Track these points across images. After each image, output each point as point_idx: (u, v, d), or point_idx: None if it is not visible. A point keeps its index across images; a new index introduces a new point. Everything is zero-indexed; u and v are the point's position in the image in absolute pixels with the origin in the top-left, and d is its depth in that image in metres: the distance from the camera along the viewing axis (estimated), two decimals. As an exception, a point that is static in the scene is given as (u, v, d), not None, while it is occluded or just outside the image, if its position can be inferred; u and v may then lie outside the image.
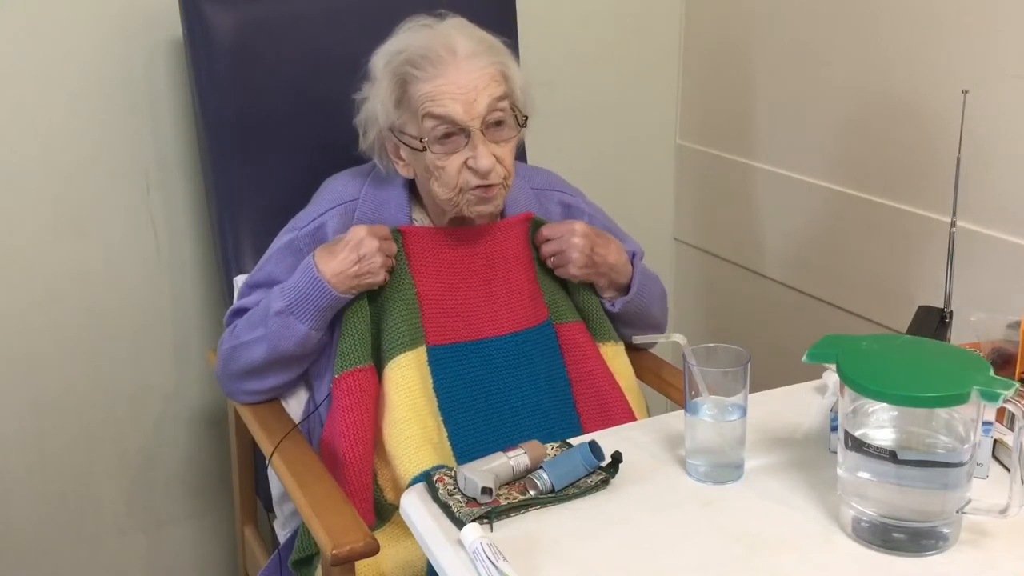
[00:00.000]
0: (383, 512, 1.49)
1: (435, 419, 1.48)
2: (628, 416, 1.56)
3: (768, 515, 1.09)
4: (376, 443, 1.50)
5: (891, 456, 1.00)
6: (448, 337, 1.54)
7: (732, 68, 2.21)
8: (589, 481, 1.15)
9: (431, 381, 1.51)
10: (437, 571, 1.07)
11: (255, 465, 1.84)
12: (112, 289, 1.94)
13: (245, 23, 1.74)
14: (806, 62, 2.02)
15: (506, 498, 1.12)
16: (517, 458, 1.16)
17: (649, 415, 1.64)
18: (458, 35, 1.49)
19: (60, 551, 2.01)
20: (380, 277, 1.50)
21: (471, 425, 1.51)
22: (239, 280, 1.71)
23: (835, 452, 1.10)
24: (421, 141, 1.47)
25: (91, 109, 1.86)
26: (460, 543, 1.04)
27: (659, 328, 1.74)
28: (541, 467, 1.15)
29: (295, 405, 1.63)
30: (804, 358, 1.10)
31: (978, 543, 1.04)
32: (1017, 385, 0.98)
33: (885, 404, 1.03)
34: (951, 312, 1.45)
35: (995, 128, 1.64)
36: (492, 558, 1.00)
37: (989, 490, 1.09)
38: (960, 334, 1.44)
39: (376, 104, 1.52)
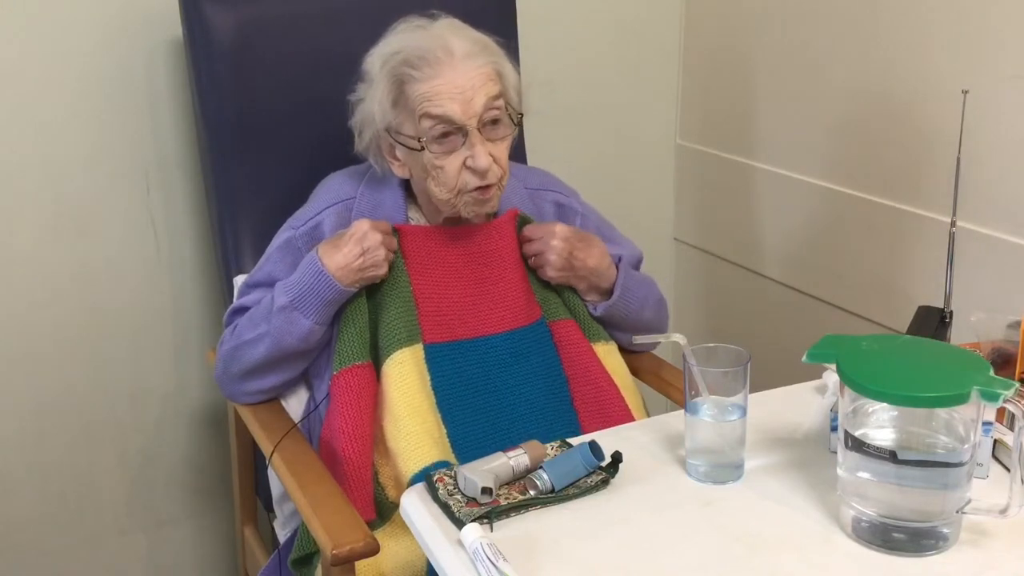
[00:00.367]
0: (384, 510, 1.49)
1: (434, 415, 1.49)
2: (625, 413, 1.56)
3: (768, 515, 1.09)
4: (377, 441, 1.50)
5: (891, 456, 1.00)
6: (445, 335, 1.55)
7: (732, 68, 2.21)
8: (589, 481, 1.15)
9: (429, 378, 1.51)
10: (437, 571, 1.07)
11: (255, 465, 1.84)
12: (112, 289, 1.94)
13: (245, 23, 1.74)
14: (806, 62, 2.02)
15: (506, 498, 1.12)
16: (517, 458, 1.16)
17: (647, 412, 1.65)
18: (453, 36, 1.49)
19: (60, 551, 2.01)
20: (383, 270, 1.51)
21: (470, 422, 1.51)
22: (239, 280, 1.71)
23: (835, 452, 1.10)
24: (419, 141, 1.47)
25: (91, 109, 1.86)
26: (460, 543, 1.04)
27: (654, 331, 1.73)
28: (541, 467, 1.15)
29: (295, 405, 1.63)
30: (804, 358, 1.10)
31: (978, 543, 1.04)
32: (1017, 385, 0.98)
33: (885, 404, 1.03)
34: (951, 312, 1.45)
35: (995, 128, 1.64)
36: (492, 558, 1.00)
37: (989, 490, 1.09)
38: (960, 334, 1.44)
39: (373, 105, 1.52)
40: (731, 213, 2.27)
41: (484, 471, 1.13)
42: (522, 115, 1.55)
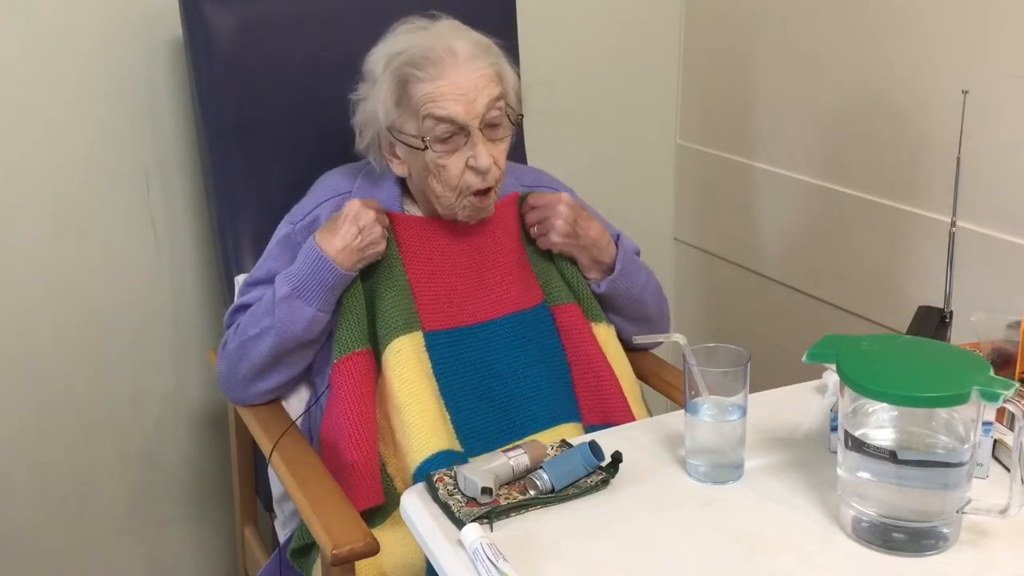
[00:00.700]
0: (392, 503, 1.48)
1: (438, 402, 1.49)
2: (624, 406, 1.57)
3: (768, 515, 1.09)
4: (383, 434, 1.50)
5: (891, 456, 1.00)
6: (444, 323, 1.55)
7: (732, 68, 2.21)
8: (589, 481, 1.15)
9: (430, 366, 1.51)
10: (437, 571, 1.07)
11: (255, 465, 1.85)
12: (112, 289, 1.94)
13: (245, 23, 1.74)
14: (806, 62, 2.02)
15: (506, 498, 1.12)
16: (517, 458, 1.16)
17: (645, 403, 1.65)
18: (455, 37, 1.50)
19: (60, 551, 2.01)
20: (382, 246, 1.52)
21: (474, 408, 1.52)
22: (239, 279, 1.71)
23: (835, 452, 1.10)
24: (423, 140, 1.48)
25: (91, 109, 1.86)
26: (460, 543, 1.04)
27: (656, 323, 1.74)
28: (541, 467, 1.15)
29: (296, 405, 1.63)
30: (804, 358, 1.10)
31: (978, 543, 1.04)
32: (1017, 385, 0.98)
33: (885, 404, 1.03)
34: (951, 312, 1.45)
35: (995, 128, 1.64)
36: (492, 558, 1.00)
37: (989, 490, 1.09)
38: (960, 334, 1.44)
39: (375, 104, 1.53)
40: (731, 213, 2.27)
41: (484, 471, 1.13)
42: (521, 116, 1.56)
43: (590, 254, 1.65)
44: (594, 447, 1.15)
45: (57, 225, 1.88)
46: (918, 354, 1.09)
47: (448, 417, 1.49)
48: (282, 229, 1.61)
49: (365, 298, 1.55)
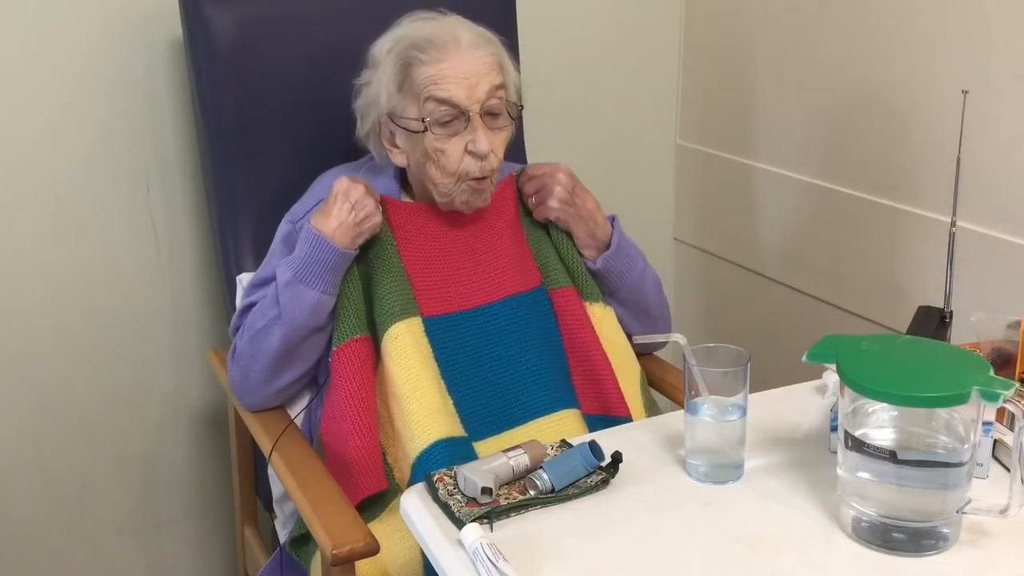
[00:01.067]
0: (390, 494, 1.48)
1: (439, 386, 1.49)
2: (618, 395, 1.57)
3: (768, 515, 1.10)
4: (383, 423, 1.50)
5: (891, 456, 1.00)
6: (442, 308, 1.56)
7: (732, 68, 2.21)
8: (589, 481, 1.15)
9: (430, 351, 1.51)
10: (437, 571, 1.07)
11: (255, 465, 1.84)
12: (112, 289, 1.94)
13: (245, 23, 1.74)
14: (806, 62, 2.02)
15: (506, 498, 1.12)
16: (517, 458, 1.16)
17: (645, 388, 1.65)
18: (460, 27, 1.53)
19: (60, 551, 2.01)
20: (378, 218, 1.52)
21: (475, 392, 1.52)
22: (243, 278, 1.71)
23: (835, 452, 1.10)
24: (423, 122, 1.49)
25: (91, 109, 1.86)
26: (460, 543, 1.04)
27: (656, 321, 1.73)
28: (541, 467, 1.15)
29: (297, 404, 1.63)
30: (804, 358, 1.10)
31: (978, 543, 1.04)
32: (1017, 385, 0.98)
33: (885, 404, 1.03)
34: (951, 312, 1.45)
35: (995, 128, 1.64)
36: (492, 558, 1.00)
37: (989, 490, 1.09)
38: (960, 334, 1.44)
39: (378, 88, 1.54)
40: (731, 213, 2.27)
41: (484, 471, 1.13)
42: (521, 107, 1.58)
43: (587, 226, 1.65)
44: (594, 447, 1.15)
45: (57, 225, 1.88)
46: (918, 354, 1.09)
47: (451, 401, 1.49)
48: (283, 228, 1.61)
49: (362, 285, 1.55)
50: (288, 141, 1.77)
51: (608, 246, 1.66)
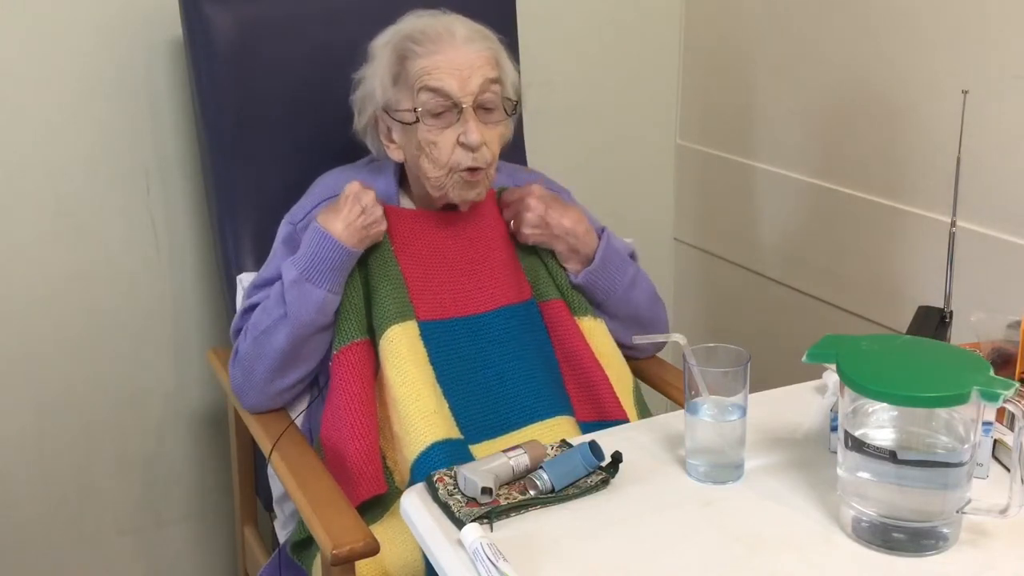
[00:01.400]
0: (389, 497, 1.48)
1: (435, 390, 1.49)
2: (613, 401, 1.57)
3: (768, 515, 1.09)
4: (381, 426, 1.50)
5: (891, 456, 1.00)
6: (437, 313, 1.56)
7: (732, 68, 2.21)
8: (589, 481, 1.15)
9: (426, 354, 1.52)
10: (437, 571, 1.07)
11: (255, 465, 1.84)
12: (112, 289, 1.94)
13: (245, 23, 1.74)
14: (806, 62, 2.02)
15: (506, 498, 1.12)
16: (517, 458, 1.16)
17: (640, 398, 1.65)
18: (457, 22, 1.54)
19: (60, 551, 2.01)
20: (384, 225, 1.53)
21: (471, 397, 1.52)
22: (243, 278, 1.71)
23: (835, 452, 1.10)
24: (415, 112, 1.49)
25: (91, 109, 1.86)
26: (460, 543, 1.04)
27: (648, 327, 1.72)
28: (541, 467, 1.15)
29: (297, 405, 1.63)
30: (804, 358, 1.10)
31: (978, 543, 1.04)
32: (1017, 385, 0.98)
33: (885, 404, 1.03)
34: (951, 312, 1.45)
35: (995, 128, 1.64)
36: (492, 558, 1.00)
37: (989, 490, 1.09)
38: (960, 334, 1.44)
39: (374, 82, 1.55)
40: (731, 213, 2.27)
41: (484, 471, 1.13)
42: (518, 103, 1.58)
43: (566, 243, 1.64)
44: (594, 447, 1.15)
45: (57, 225, 1.88)
46: (918, 354, 1.09)
47: (447, 404, 1.49)
48: (283, 230, 1.61)
49: (362, 289, 1.55)
50: (288, 141, 1.78)
51: (592, 260, 1.65)
